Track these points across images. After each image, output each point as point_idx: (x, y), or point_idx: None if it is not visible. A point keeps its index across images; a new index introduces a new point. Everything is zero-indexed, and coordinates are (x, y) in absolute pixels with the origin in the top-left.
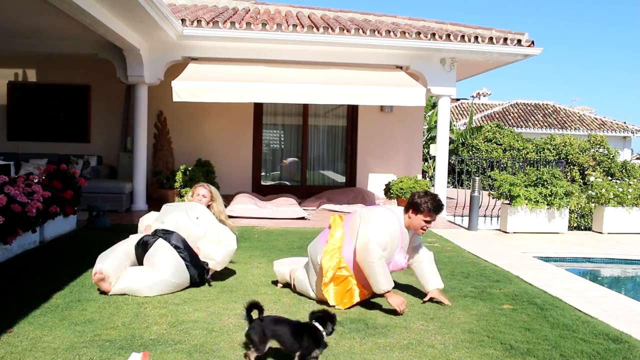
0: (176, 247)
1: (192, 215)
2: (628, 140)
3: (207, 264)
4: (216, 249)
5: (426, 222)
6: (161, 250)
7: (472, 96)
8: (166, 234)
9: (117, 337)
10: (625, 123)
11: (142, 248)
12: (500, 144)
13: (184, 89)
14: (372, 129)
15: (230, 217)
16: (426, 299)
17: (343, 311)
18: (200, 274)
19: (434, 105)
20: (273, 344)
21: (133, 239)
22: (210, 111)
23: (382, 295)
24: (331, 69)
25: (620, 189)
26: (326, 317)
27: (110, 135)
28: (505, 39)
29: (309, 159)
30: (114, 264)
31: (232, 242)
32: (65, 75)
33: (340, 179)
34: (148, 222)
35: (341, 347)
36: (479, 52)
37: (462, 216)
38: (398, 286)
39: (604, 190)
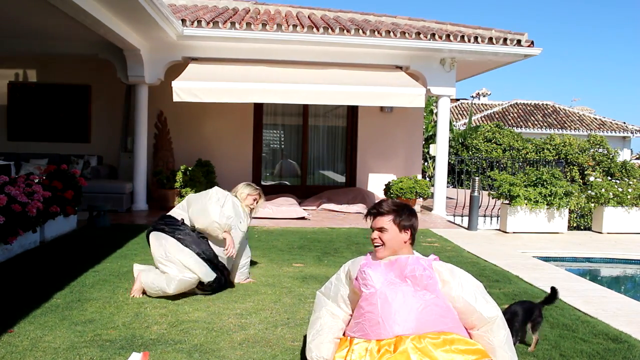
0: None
1: (242, 228)
2: (628, 140)
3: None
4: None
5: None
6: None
7: (472, 96)
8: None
9: (117, 337)
10: (624, 123)
11: (209, 264)
12: (500, 144)
13: (184, 89)
14: (372, 129)
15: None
16: None
17: None
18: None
19: (431, 112)
20: None
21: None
22: (210, 111)
23: None
24: (331, 69)
25: (620, 189)
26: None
27: (110, 135)
28: (505, 39)
29: (309, 159)
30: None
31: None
32: (65, 75)
33: (340, 179)
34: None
35: None
36: (479, 52)
37: (462, 216)
38: None
39: (603, 190)
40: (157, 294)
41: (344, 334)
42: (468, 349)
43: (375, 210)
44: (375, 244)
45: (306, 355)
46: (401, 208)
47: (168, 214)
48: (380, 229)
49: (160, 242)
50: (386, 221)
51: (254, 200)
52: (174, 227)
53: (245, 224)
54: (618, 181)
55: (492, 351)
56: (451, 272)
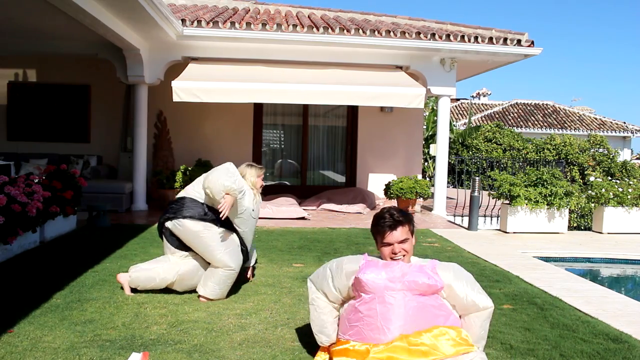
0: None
1: (255, 216)
2: (628, 140)
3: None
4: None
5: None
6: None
7: (472, 96)
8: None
9: (117, 337)
10: (625, 123)
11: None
12: (500, 144)
13: (184, 89)
14: (372, 129)
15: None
16: None
17: None
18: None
19: (433, 110)
20: None
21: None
22: (210, 111)
23: None
24: (331, 69)
25: (620, 189)
26: None
27: (110, 135)
28: (505, 39)
29: (309, 159)
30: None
31: None
32: (65, 75)
33: (340, 179)
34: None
35: None
36: (479, 52)
37: (462, 216)
38: None
39: (603, 190)
40: (232, 282)
41: (338, 338)
42: (456, 341)
43: (392, 222)
44: (399, 257)
45: (316, 341)
46: (406, 213)
47: (178, 196)
48: (403, 241)
49: (200, 238)
50: (406, 231)
51: (262, 179)
52: (180, 209)
53: (257, 211)
54: (618, 181)
55: (470, 328)
56: (454, 272)
